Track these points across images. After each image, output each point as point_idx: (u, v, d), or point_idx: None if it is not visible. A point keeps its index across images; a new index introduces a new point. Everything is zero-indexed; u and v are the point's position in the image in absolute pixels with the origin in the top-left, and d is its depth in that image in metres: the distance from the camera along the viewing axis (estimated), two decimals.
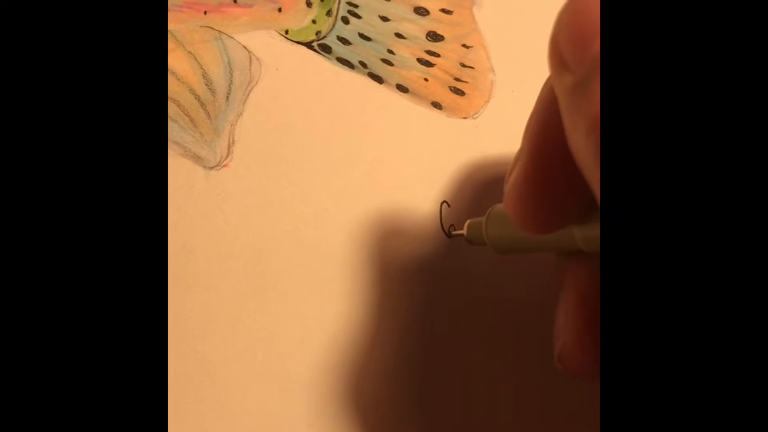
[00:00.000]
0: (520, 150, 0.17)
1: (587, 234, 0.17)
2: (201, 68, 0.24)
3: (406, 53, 0.26)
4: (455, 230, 0.23)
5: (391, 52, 0.25)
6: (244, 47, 0.25)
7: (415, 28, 0.26)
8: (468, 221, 0.22)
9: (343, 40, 0.25)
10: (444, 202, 0.24)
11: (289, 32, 0.25)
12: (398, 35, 0.26)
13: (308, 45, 0.25)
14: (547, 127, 0.16)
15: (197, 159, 0.23)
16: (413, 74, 0.25)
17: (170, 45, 0.24)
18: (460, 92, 0.25)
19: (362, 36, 0.26)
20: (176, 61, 0.24)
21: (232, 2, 0.25)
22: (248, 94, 0.24)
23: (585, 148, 0.13)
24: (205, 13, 0.25)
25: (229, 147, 0.23)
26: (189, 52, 0.24)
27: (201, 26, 0.25)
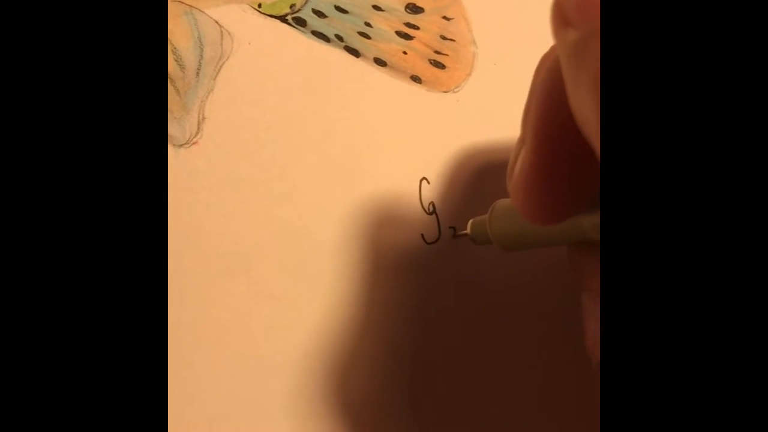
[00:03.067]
0: (521, 138, 0.17)
1: (596, 222, 0.16)
2: (170, 43, 0.23)
3: (384, 26, 0.25)
4: (459, 232, 0.22)
5: (368, 24, 0.25)
6: (216, 21, 0.24)
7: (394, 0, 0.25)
8: (471, 220, 0.21)
9: (319, 13, 0.24)
10: (423, 178, 0.23)
11: (262, 5, 0.24)
12: (376, 7, 0.25)
13: (282, 18, 0.24)
14: (551, 110, 0.15)
15: (167, 136, 0.22)
16: (391, 47, 0.24)
17: None
18: (440, 65, 0.24)
19: (338, 8, 0.25)
20: None
21: None
22: (219, 70, 0.23)
23: (588, 106, 0.13)
24: None
25: (198, 124, 0.22)
26: None
27: (171, 0, 0.24)
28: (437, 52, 0.25)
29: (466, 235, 0.21)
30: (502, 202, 0.20)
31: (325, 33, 0.24)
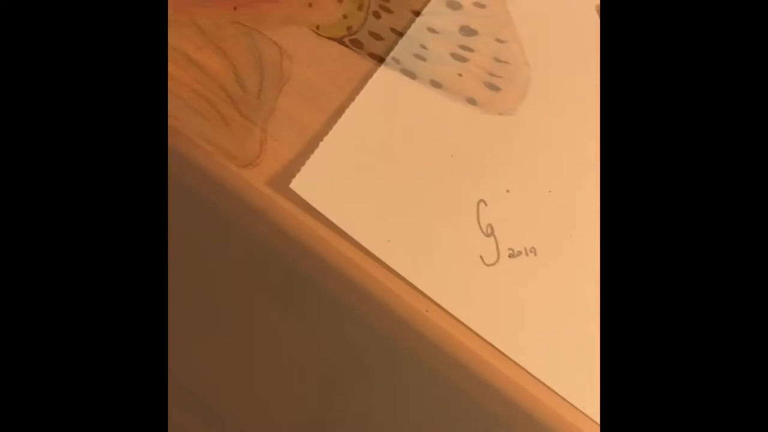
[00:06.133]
0: None
1: None
2: (231, 65, 0.24)
3: (439, 48, 0.25)
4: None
5: (423, 47, 0.25)
6: (275, 43, 0.24)
7: (448, 22, 0.25)
8: None
9: (375, 36, 0.25)
10: (481, 200, 0.23)
11: (320, 28, 0.25)
12: (431, 30, 0.25)
13: (339, 41, 0.25)
14: None
15: (229, 157, 0.22)
16: (447, 69, 0.25)
17: (199, 41, 0.24)
18: (495, 88, 0.25)
19: (394, 31, 0.25)
20: (206, 57, 0.23)
21: None
22: (280, 91, 0.23)
23: None
24: (235, 8, 0.24)
25: (261, 144, 0.23)
26: (219, 47, 0.24)
27: (231, 22, 0.24)
28: (492, 74, 0.25)
29: None
30: None
31: (381, 55, 0.24)
